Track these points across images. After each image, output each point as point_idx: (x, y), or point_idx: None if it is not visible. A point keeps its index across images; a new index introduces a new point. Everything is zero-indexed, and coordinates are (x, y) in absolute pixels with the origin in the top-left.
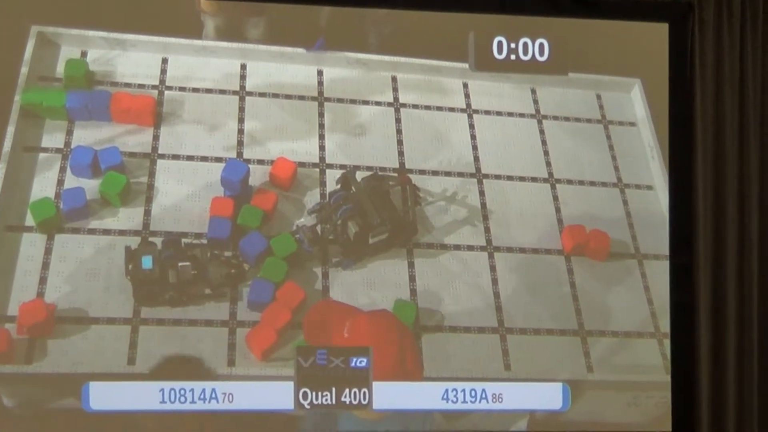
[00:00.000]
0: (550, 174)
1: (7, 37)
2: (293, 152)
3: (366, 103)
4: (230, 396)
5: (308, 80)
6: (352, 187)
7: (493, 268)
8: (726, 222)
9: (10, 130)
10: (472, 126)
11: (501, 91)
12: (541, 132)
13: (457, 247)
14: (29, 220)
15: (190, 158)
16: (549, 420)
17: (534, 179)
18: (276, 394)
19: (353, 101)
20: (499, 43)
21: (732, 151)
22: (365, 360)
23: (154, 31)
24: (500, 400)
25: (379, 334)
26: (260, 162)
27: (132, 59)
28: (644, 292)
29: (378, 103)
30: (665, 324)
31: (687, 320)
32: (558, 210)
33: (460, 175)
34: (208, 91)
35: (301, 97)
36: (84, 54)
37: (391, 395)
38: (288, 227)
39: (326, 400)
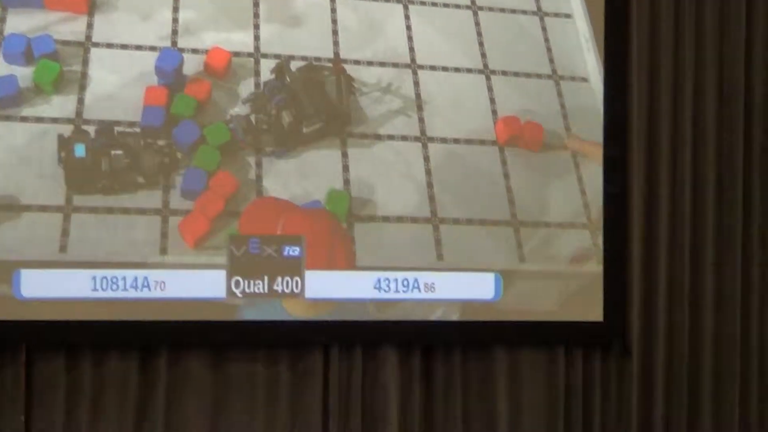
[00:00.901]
0: (485, 65)
1: None
2: (228, 42)
3: None
4: (162, 284)
5: None
6: (287, 77)
7: (426, 159)
8: (660, 113)
9: None
10: (407, 17)
11: None
12: (477, 24)
13: (391, 137)
14: None
15: (124, 47)
16: (481, 310)
17: (469, 70)
18: (208, 283)
19: None
20: None
21: (667, 43)
22: (298, 249)
23: None
24: (432, 289)
25: (312, 228)
26: (195, 51)
27: None
28: (577, 182)
29: None
30: (598, 214)
31: (619, 210)
32: (492, 101)
33: (395, 65)
34: None
35: None
36: None
37: (323, 284)
38: (222, 116)
39: (258, 288)
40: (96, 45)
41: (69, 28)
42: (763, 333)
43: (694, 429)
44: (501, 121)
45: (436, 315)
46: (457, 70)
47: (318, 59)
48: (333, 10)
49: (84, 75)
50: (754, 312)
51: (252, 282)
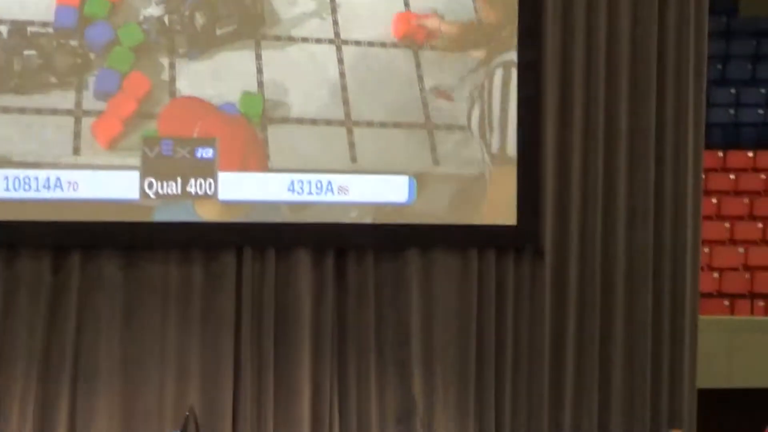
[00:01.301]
0: None
1: None
2: None
3: None
4: (75, 185)
5: None
6: None
7: (340, 61)
8: (574, 20)
9: None
10: None
11: None
12: None
13: (305, 40)
14: None
15: None
16: (395, 212)
17: None
18: (121, 184)
19: None
20: None
21: None
22: (211, 151)
23: None
24: (346, 192)
25: (226, 130)
26: None
27: None
28: (489, 87)
29: None
30: (512, 117)
31: (534, 113)
32: (407, 5)
33: None
34: None
35: None
36: None
37: (236, 187)
38: (135, 17)
39: (172, 190)
40: None
41: None
42: (675, 241)
43: (608, 332)
44: (413, 18)
45: (349, 217)
46: None
47: None
48: None
49: None
50: (667, 220)
51: (165, 183)
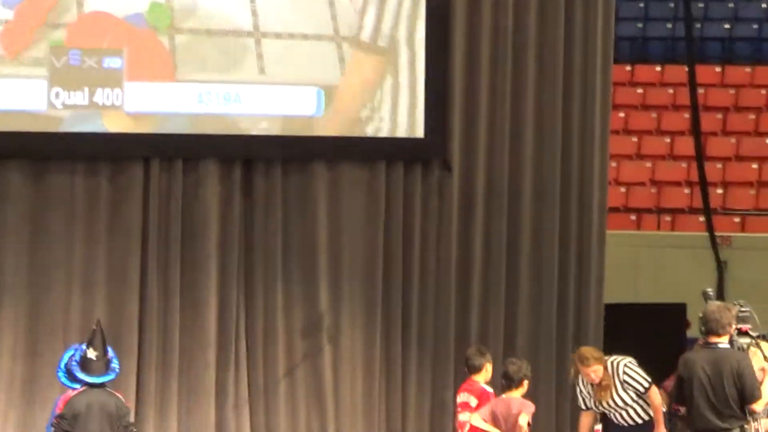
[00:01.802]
0: None
1: None
2: None
3: None
4: None
5: None
6: None
7: None
8: None
9: None
10: None
11: None
12: None
13: None
14: None
15: None
16: (303, 124)
17: None
18: (28, 94)
19: None
20: None
21: None
22: (119, 61)
23: None
24: (254, 104)
25: (134, 40)
26: None
27: None
28: None
29: None
30: (420, 31)
31: (441, 26)
32: None
33: None
34: None
35: None
36: None
37: (144, 97)
38: None
39: (79, 100)
40: None
41: None
42: (583, 155)
43: (515, 245)
44: None
45: (257, 129)
46: None
47: None
48: None
49: None
50: (575, 133)
51: (72, 94)
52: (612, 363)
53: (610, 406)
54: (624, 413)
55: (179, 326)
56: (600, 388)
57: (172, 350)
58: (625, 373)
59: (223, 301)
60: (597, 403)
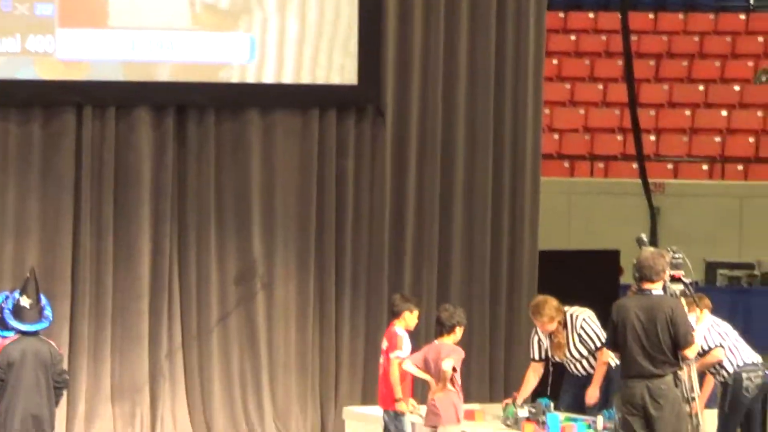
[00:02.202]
0: None
1: None
2: None
3: None
4: None
5: None
6: None
7: None
8: None
9: None
10: None
11: None
12: None
13: None
14: None
15: None
16: (235, 71)
17: None
18: None
19: None
20: None
21: None
22: (51, 7)
23: None
24: (187, 50)
25: None
26: None
27: None
28: None
29: None
30: None
31: None
32: None
33: None
34: None
35: None
36: None
37: (77, 44)
38: None
39: (11, 47)
40: None
41: None
42: (516, 102)
43: (448, 193)
44: None
45: (190, 76)
46: None
47: None
48: None
49: None
50: (508, 80)
51: (4, 40)
52: (571, 316)
53: (565, 356)
54: (578, 364)
55: (112, 274)
56: (556, 341)
57: (106, 298)
58: (582, 328)
59: (156, 248)
60: (552, 354)
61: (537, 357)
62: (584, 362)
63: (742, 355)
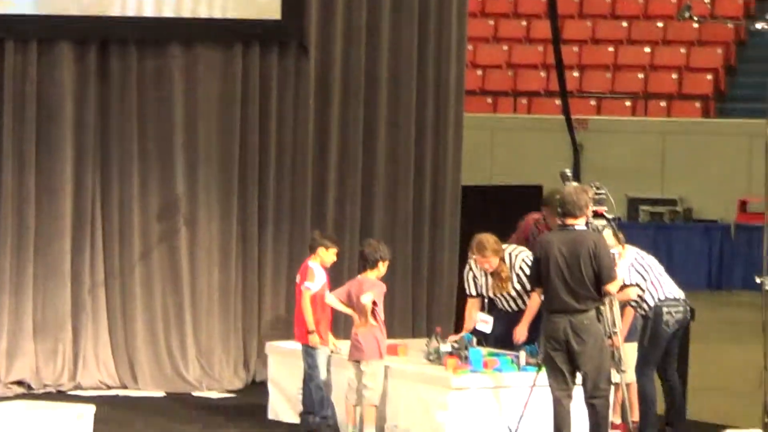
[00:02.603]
0: None
1: None
2: None
3: None
4: None
5: None
6: None
7: None
8: None
9: None
10: None
11: None
12: None
13: None
14: None
15: None
16: (158, 5)
17: None
18: None
19: None
20: None
21: None
22: None
23: None
24: None
25: None
26: None
27: None
28: None
29: None
30: None
31: None
32: None
33: None
34: None
35: None
36: None
37: None
38: None
39: None
40: None
41: None
42: (440, 38)
43: (372, 128)
44: None
45: (112, 10)
46: None
47: None
48: None
49: None
50: (432, 16)
51: None
52: (510, 254)
53: (502, 295)
54: (512, 302)
55: (34, 209)
56: (499, 279)
57: (28, 234)
58: (521, 267)
59: (78, 184)
60: (489, 291)
61: (474, 293)
62: (519, 300)
63: (664, 290)
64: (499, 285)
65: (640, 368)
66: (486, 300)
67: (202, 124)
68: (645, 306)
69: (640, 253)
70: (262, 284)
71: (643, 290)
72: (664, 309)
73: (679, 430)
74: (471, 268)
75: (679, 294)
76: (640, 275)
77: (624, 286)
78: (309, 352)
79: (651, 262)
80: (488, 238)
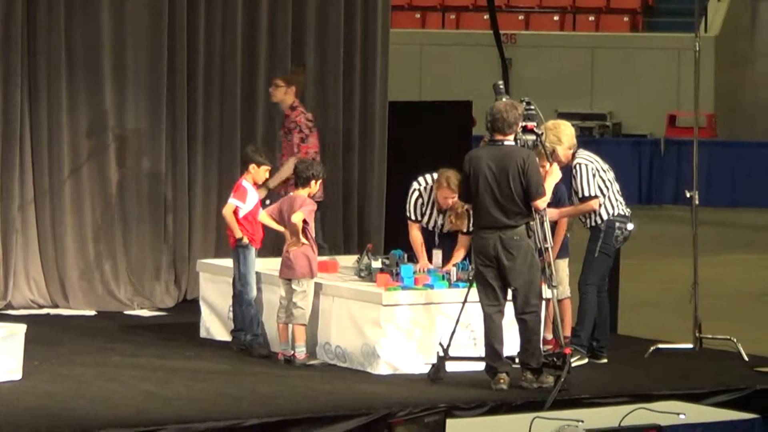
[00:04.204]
0: None
1: None
2: None
3: None
4: None
5: None
6: None
7: None
8: None
9: None
10: None
11: None
12: None
13: None
14: None
15: None
16: None
17: None
18: None
19: None
20: None
21: None
22: None
23: None
24: None
25: None
26: None
27: None
28: None
29: None
30: None
31: None
32: None
33: None
34: None
35: None
36: None
37: None
38: None
39: None
40: None
41: None
42: None
43: (300, 41)
44: None
45: None
46: None
47: None
48: None
49: None
50: None
51: None
52: None
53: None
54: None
55: None
56: (455, 214)
57: None
58: None
59: (6, 101)
60: (442, 226)
61: (415, 218)
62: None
63: (618, 206)
64: (454, 221)
65: (585, 279)
66: (437, 234)
67: (130, 40)
68: (597, 219)
69: (604, 167)
70: (192, 201)
71: (600, 204)
72: (617, 224)
73: (603, 344)
74: (420, 195)
75: (628, 212)
76: (600, 190)
77: (586, 198)
78: (240, 254)
79: (612, 177)
80: (455, 173)
